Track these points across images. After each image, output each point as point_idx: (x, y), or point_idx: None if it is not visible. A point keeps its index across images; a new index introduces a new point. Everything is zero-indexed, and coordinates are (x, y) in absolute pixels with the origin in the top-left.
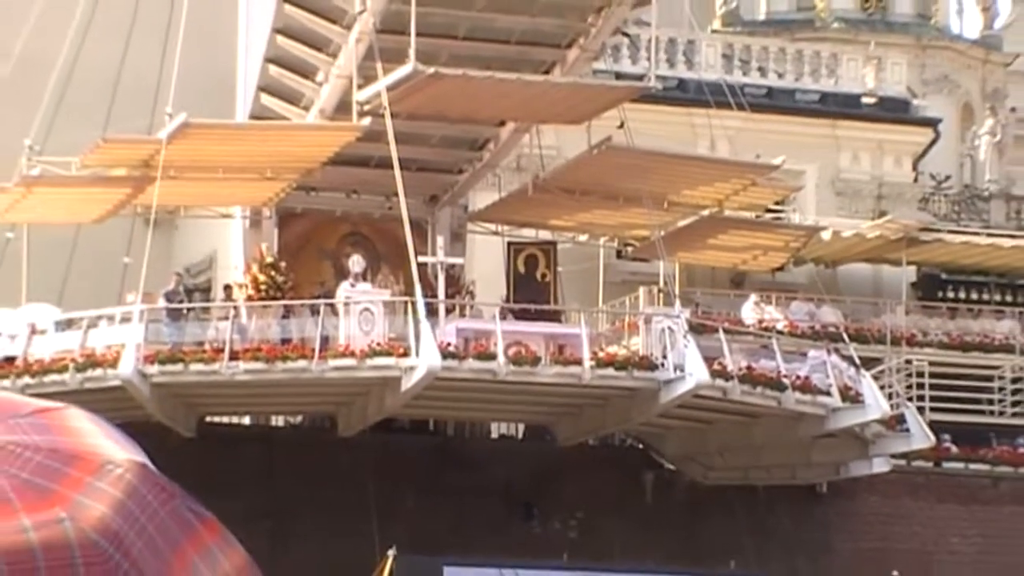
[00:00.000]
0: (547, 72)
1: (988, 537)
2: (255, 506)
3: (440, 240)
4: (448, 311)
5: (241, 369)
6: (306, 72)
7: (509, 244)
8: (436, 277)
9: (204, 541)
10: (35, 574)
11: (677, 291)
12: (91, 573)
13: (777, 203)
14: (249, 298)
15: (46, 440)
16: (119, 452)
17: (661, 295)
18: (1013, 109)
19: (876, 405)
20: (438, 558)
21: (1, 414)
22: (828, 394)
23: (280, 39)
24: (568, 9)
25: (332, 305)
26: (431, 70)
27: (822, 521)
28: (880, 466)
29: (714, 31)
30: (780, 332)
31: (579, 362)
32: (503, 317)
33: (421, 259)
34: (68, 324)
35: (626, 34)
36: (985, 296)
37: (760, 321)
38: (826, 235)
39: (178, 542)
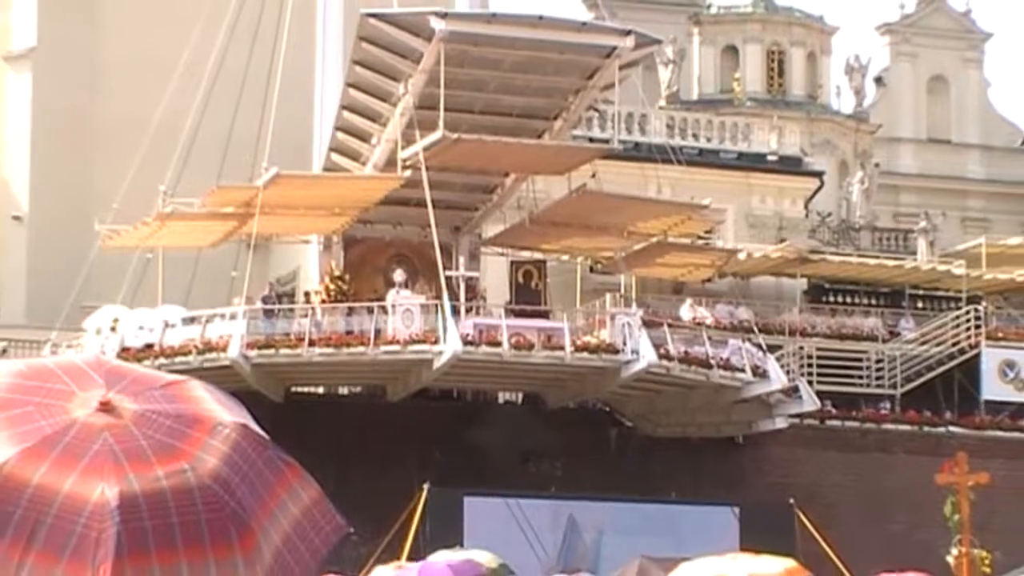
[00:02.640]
0: (539, 137)
1: (859, 475)
2: (326, 453)
3: (461, 259)
4: (467, 311)
5: (316, 353)
6: (364, 137)
7: (511, 262)
8: (458, 286)
9: (289, 481)
10: (167, 512)
11: (634, 296)
12: (207, 510)
13: (706, 232)
14: (323, 301)
15: (173, 408)
16: (227, 415)
17: (622, 299)
18: (877, 164)
19: (777, 379)
20: (459, 490)
21: (139, 387)
22: (743, 371)
23: (346, 113)
24: (554, 92)
25: (382, 306)
26: (455, 136)
27: (739, 464)
28: (780, 423)
29: (660, 107)
30: (708, 326)
31: (562, 348)
32: (507, 315)
33: (447, 273)
34: (191, 320)
35: (596, 110)
36: (856, 300)
37: (694, 318)
38: (741, 256)
39: (270, 483)
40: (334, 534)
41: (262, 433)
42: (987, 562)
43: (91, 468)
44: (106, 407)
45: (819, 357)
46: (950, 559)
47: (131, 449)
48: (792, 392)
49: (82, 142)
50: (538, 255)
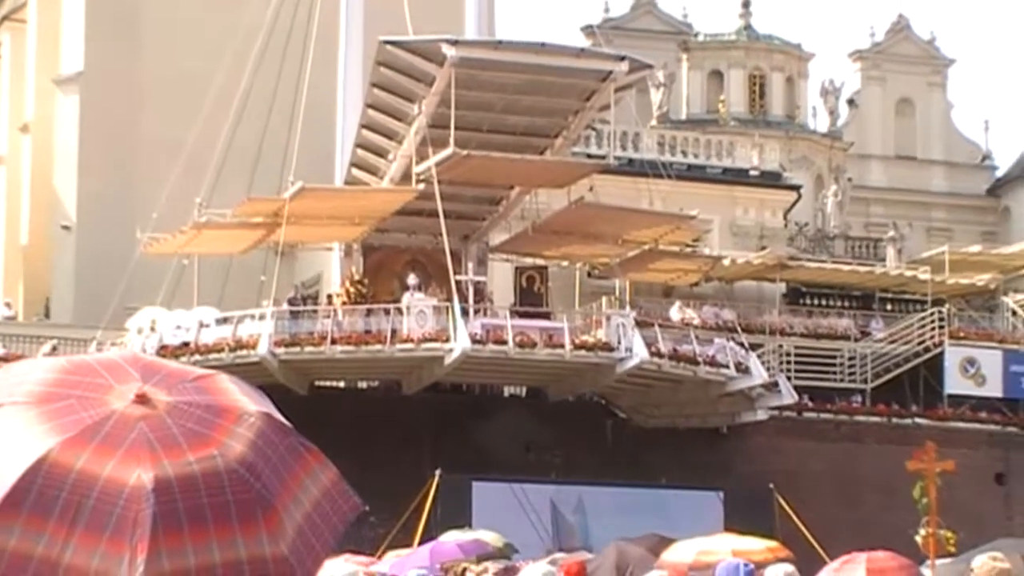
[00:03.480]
0: (541, 153)
1: (833, 463)
2: (346, 442)
3: (470, 265)
4: (475, 312)
5: (338, 350)
6: (381, 153)
7: (516, 268)
8: (467, 290)
9: (310, 464)
10: (198, 494)
11: (627, 299)
12: (235, 492)
13: (694, 241)
14: (343, 303)
15: (203, 399)
16: (252, 405)
17: (617, 302)
18: (849, 179)
19: (759, 375)
20: (468, 476)
21: (173, 381)
22: (727, 367)
23: (365, 131)
24: (555, 112)
25: (398, 308)
26: (464, 152)
27: (724, 452)
28: (761, 415)
29: (652, 127)
30: (695, 326)
31: (562, 346)
32: (512, 316)
33: (457, 278)
34: (224, 320)
35: (593, 128)
36: (831, 303)
37: (682, 319)
38: (726, 262)
39: (292, 466)
40: (351, 512)
41: (285, 421)
42: (952, 541)
43: (128, 455)
44: (142, 399)
45: (796, 354)
46: (918, 539)
47: (165, 437)
48: (772, 387)
49: (125, 158)
50: (540, 261)
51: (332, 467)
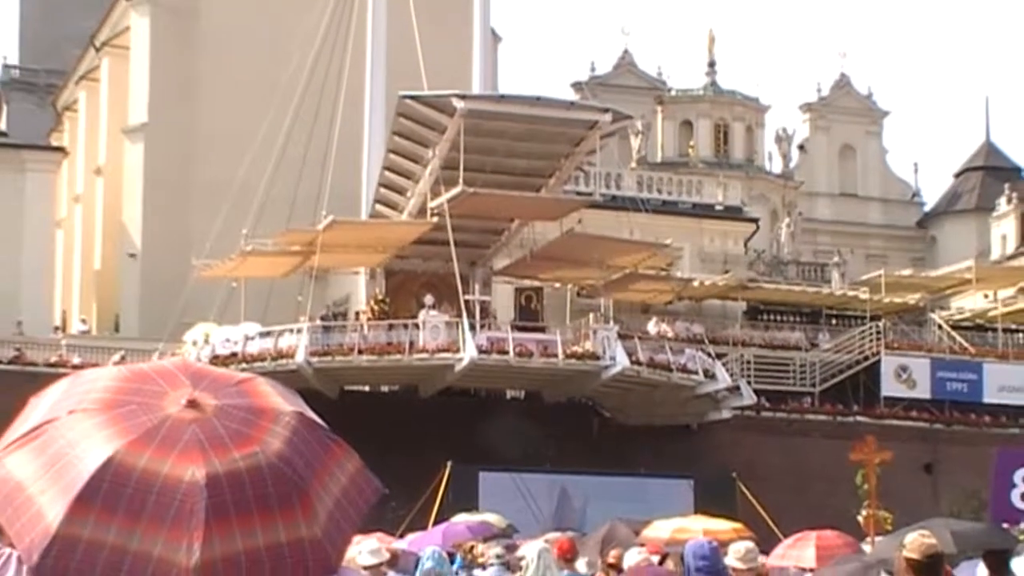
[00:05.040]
0: (537, 190)
1: (786, 454)
2: (371, 437)
3: (476, 287)
4: (481, 327)
5: (364, 359)
6: (400, 191)
7: (515, 289)
8: (475, 308)
9: (337, 455)
10: (243, 487)
11: (611, 315)
12: (275, 484)
13: (668, 265)
14: (368, 319)
15: (245, 402)
16: (287, 406)
17: (602, 317)
18: (800, 213)
19: (723, 379)
20: (475, 466)
21: (218, 386)
22: (696, 373)
23: (386, 172)
24: (549, 156)
25: (415, 323)
26: (472, 190)
27: (693, 446)
28: (726, 414)
29: (632, 168)
30: (669, 338)
31: (556, 355)
32: (512, 330)
33: (466, 297)
34: (266, 334)
35: (582, 169)
36: (784, 318)
37: (658, 332)
38: (695, 284)
39: (322, 458)
40: (374, 495)
41: (315, 417)
42: (888, 521)
43: (183, 454)
44: (192, 404)
45: (755, 362)
46: (860, 519)
47: (213, 437)
48: (734, 390)
49: (182, 196)
50: (536, 283)
51: (356, 456)
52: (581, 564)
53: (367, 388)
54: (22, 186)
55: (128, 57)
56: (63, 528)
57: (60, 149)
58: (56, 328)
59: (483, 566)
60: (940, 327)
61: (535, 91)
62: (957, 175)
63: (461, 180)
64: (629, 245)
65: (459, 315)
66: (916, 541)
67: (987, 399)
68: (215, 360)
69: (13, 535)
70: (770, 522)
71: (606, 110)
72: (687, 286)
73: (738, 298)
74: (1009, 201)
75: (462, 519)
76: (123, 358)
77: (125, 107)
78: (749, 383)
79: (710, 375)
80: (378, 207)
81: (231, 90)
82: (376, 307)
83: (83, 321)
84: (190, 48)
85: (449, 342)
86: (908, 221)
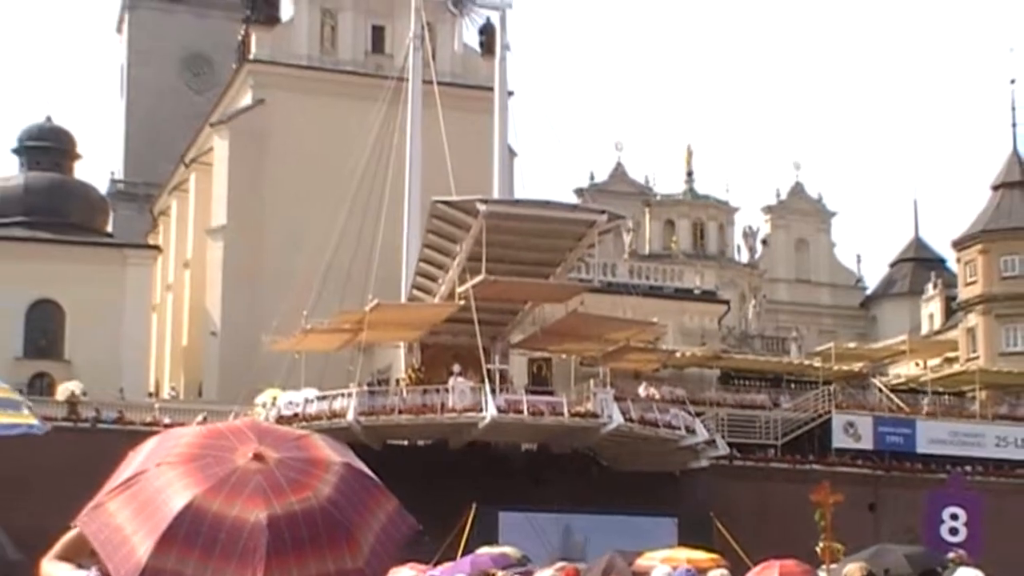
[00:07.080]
0: (547, 277)
1: (755, 497)
2: (409, 482)
3: (496, 357)
4: (500, 391)
5: (403, 418)
6: (433, 278)
7: (529, 359)
8: (495, 375)
9: (378, 497)
10: (299, 528)
11: (608, 380)
12: (326, 526)
13: (655, 339)
14: (407, 385)
15: (302, 455)
16: (337, 457)
17: (601, 383)
18: (764, 296)
19: (702, 434)
20: (496, 507)
21: (279, 441)
22: (679, 429)
23: (422, 263)
24: (556, 249)
25: (446, 388)
26: (493, 278)
27: (677, 489)
28: (704, 463)
29: (624, 259)
30: (656, 400)
31: (562, 414)
32: (526, 394)
33: (487, 366)
34: (323, 398)
35: (583, 260)
36: (752, 383)
37: (647, 395)
38: (678, 354)
39: (366, 501)
40: (409, 531)
41: (362, 466)
42: (841, 551)
43: (248, 500)
44: (258, 457)
45: (728, 420)
46: (817, 549)
47: (274, 485)
48: (711, 443)
49: (254, 283)
50: (546, 354)
51: (394, 499)
52: None
53: (406, 442)
54: (124, 277)
55: (211, 172)
56: (151, 562)
57: (155, 247)
58: (150, 394)
59: None
60: (880, 390)
61: (545, 196)
62: (892, 265)
63: (484, 269)
64: (623, 323)
65: (482, 381)
66: (853, 568)
67: (920, 450)
68: (280, 420)
69: (112, 567)
70: (741, 553)
71: (603, 211)
72: (671, 356)
73: (713, 366)
74: (935, 287)
75: (485, 551)
76: (205, 419)
77: (208, 212)
78: (723, 437)
79: (691, 430)
80: (415, 292)
81: (294, 197)
82: (413, 375)
83: (172, 388)
84: (261, 163)
85: (474, 403)
86: (853, 302)
